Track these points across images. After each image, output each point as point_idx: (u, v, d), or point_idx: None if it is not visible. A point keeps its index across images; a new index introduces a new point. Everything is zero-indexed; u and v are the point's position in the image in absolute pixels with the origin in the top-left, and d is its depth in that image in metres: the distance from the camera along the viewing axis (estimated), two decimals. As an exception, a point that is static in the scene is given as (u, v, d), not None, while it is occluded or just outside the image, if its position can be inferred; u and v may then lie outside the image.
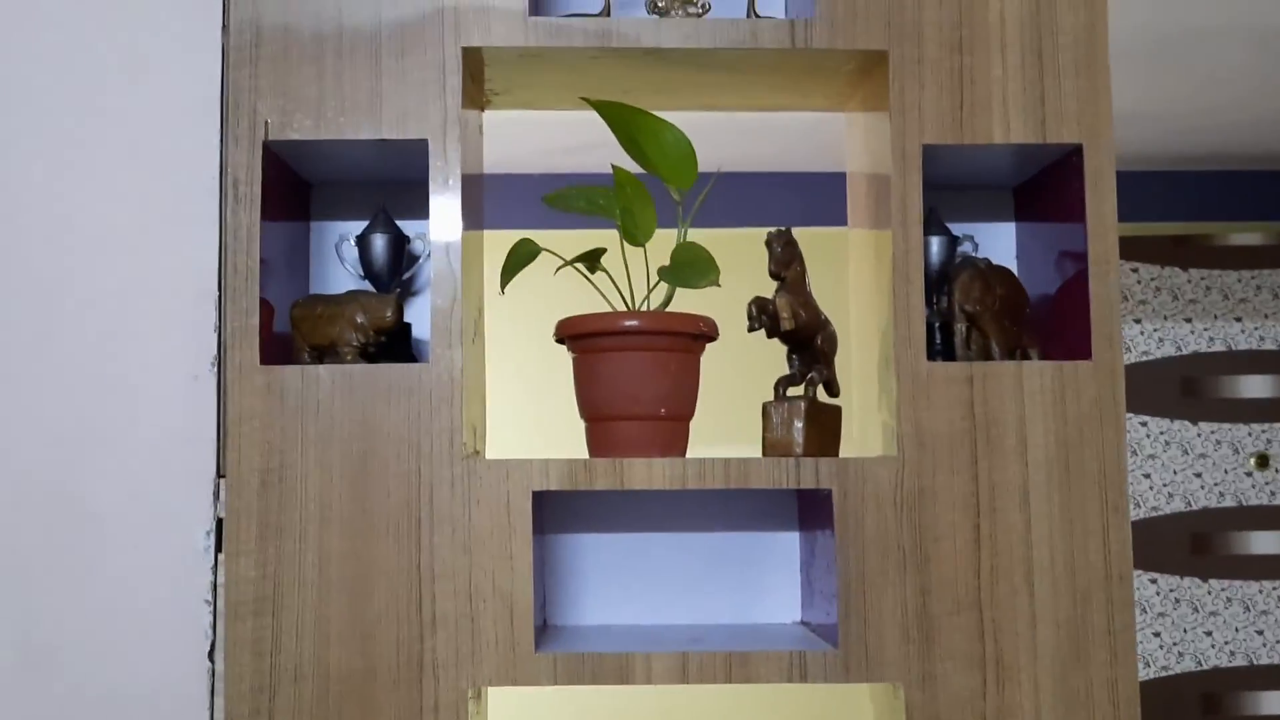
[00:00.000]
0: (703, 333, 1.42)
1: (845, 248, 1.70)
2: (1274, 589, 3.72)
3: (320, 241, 1.60)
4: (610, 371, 1.39)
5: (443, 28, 1.40)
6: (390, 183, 1.57)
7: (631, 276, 1.43)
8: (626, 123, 1.45)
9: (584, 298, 1.48)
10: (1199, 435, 3.76)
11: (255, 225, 1.36)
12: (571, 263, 1.43)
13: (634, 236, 1.51)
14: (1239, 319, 3.89)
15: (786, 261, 1.44)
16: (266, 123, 1.37)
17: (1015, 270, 1.64)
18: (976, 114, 1.42)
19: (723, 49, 1.42)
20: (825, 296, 1.54)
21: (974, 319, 1.47)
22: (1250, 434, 3.83)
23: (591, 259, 1.44)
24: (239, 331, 1.35)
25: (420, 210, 1.48)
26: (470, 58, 1.42)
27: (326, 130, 1.38)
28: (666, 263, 1.42)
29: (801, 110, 1.68)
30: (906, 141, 1.41)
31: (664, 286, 1.46)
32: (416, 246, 1.59)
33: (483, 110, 1.63)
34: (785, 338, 1.45)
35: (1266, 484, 3.79)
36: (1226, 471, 3.83)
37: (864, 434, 1.59)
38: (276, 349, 1.43)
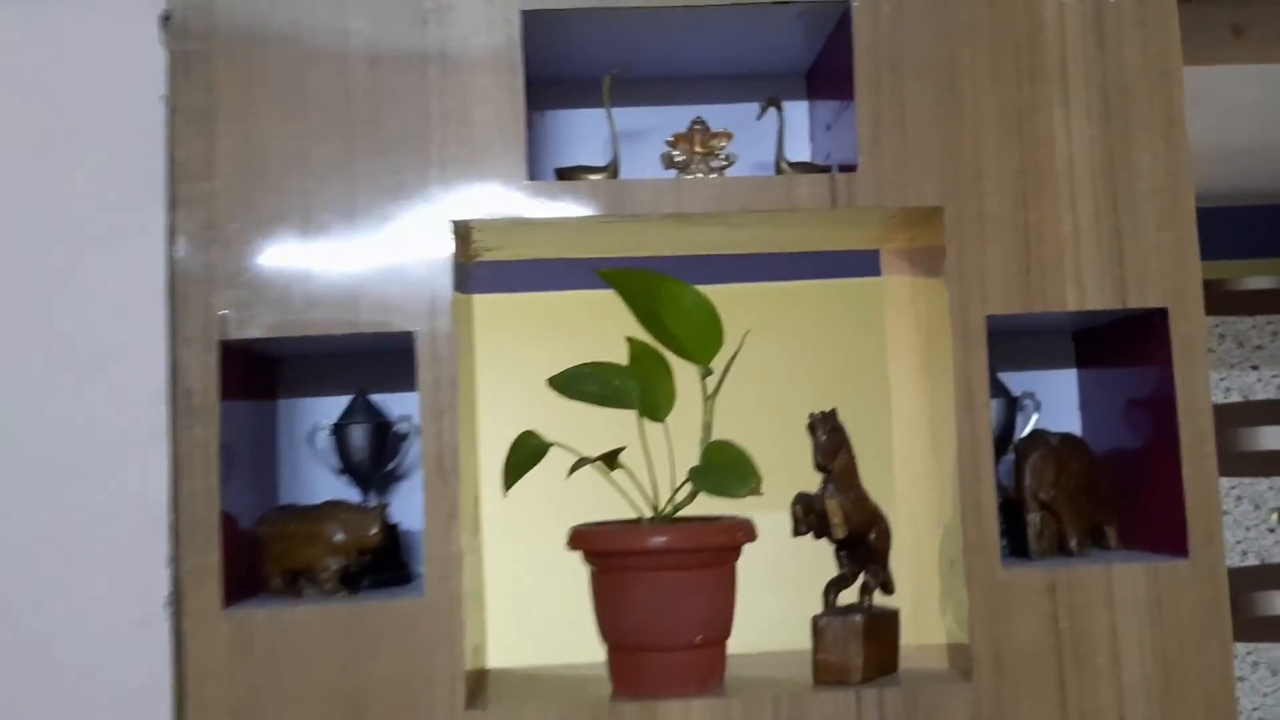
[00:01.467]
0: (741, 542, 1.22)
1: (880, 297, 1.51)
2: (1302, 651, 3.58)
3: (291, 423, 1.39)
4: (637, 595, 1.19)
5: (428, 200, 1.19)
6: (369, 353, 1.37)
7: (653, 460, 1.24)
8: (644, 294, 1.26)
9: (597, 485, 1.28)
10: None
11: (213, 442, 1.16)
12: (584, 464, 1.23)
13: (655, 413, 1.31)
14: (1255, 367, 3.74)
15: (833, 450, 1.24)
16: (222, 319, 1.17)
17: (1079, 425, 1.46)
18: (1046, 277, 1.23)
19: (753, 211, 1.22)
20: (860, 356, 1.36)
21: (1048, 506, 1.28)
22: (1272, 488, 3.67)
23: (610, 459, 1.24)
24: (197, 570, 1.14)
25: (405, 382, 1.28)
26: (459, 228, 1.22)
27: (294, 325, 1.18)
28: (696, 461, 1.22)
29: (834, 249, 1.49)
30: (969, 314, 1.22)
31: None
32: (402, 427, 1.38)
33: (470, 261, 1.43)
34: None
35: (1290, 541, 3.65)
36: (1248, 529, 3.67)
37: (915, 609, 1.40)
38: (240, 568, 1.22)
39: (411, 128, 1.19)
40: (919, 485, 1.38)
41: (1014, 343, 1.45)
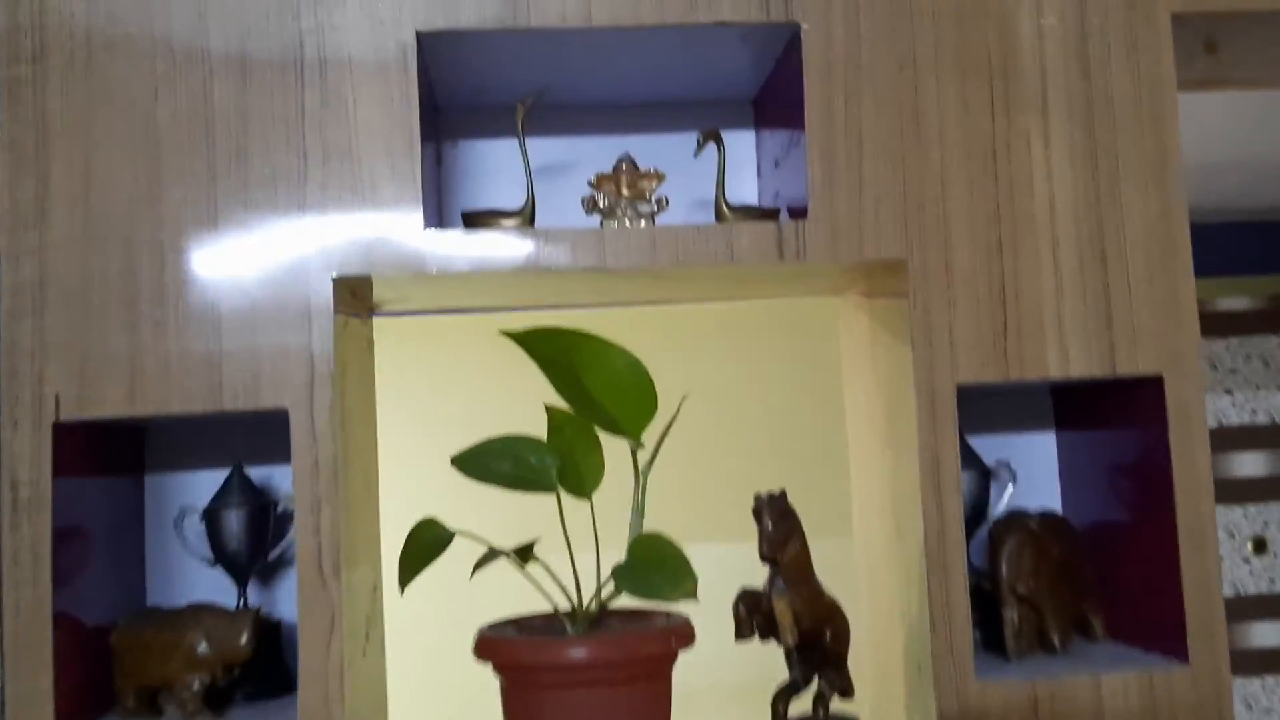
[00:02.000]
0: (678, 649, 1.05)
1: (836, 319, 1.34)
2: (1277, 685, 3.46)
3: (160, 502, 1.20)
4: (554, 715, 1.02)
5: (305, 252, 1.01)
6: (248, 420, 1.19)
7: (578, 545, 1.06)
8: (562, 357, 1.08)
9: (508, 575, 1.11)
10: (1190, 518, 3.47)
11: (44, 542, 0.97)
12: (490, 561, 1.05)
13: (580, 490, 1.14)
14: (1229, 391, 3.62)
15: (782, 540, 1.07)
16: (56, 397, 0.98)
17: (1059, 496, 1.30)
18: (1025, 340, 1.07)
19: (688, 265, 1.05)
20: (813, 381, 1.20)
21: (1027, 599, 1.12)
22: (1246, 516, 3.56)
23: (522, 554, 1.06)
24: (25, 697, 0.96)
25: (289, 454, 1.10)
26: (343, 284, 1.05)
27: (145, 402, 0.99)
28: (622, 558, 1.05)
29: (784, 298, 1.32)
30: (936, 382, 1.06)
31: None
32: (288, 505, 1.20)
33: (369, 316, 1.25)
34: (783, 638, 1.09)
35: (1265, 570, 3.53)
36: (1222, 558, 3.55)
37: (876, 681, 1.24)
38: (92, 682, 1.03)
39: (285, 166, 1.02)
40: (881, 570, 1.21)
41: (985, 402, 1.30)
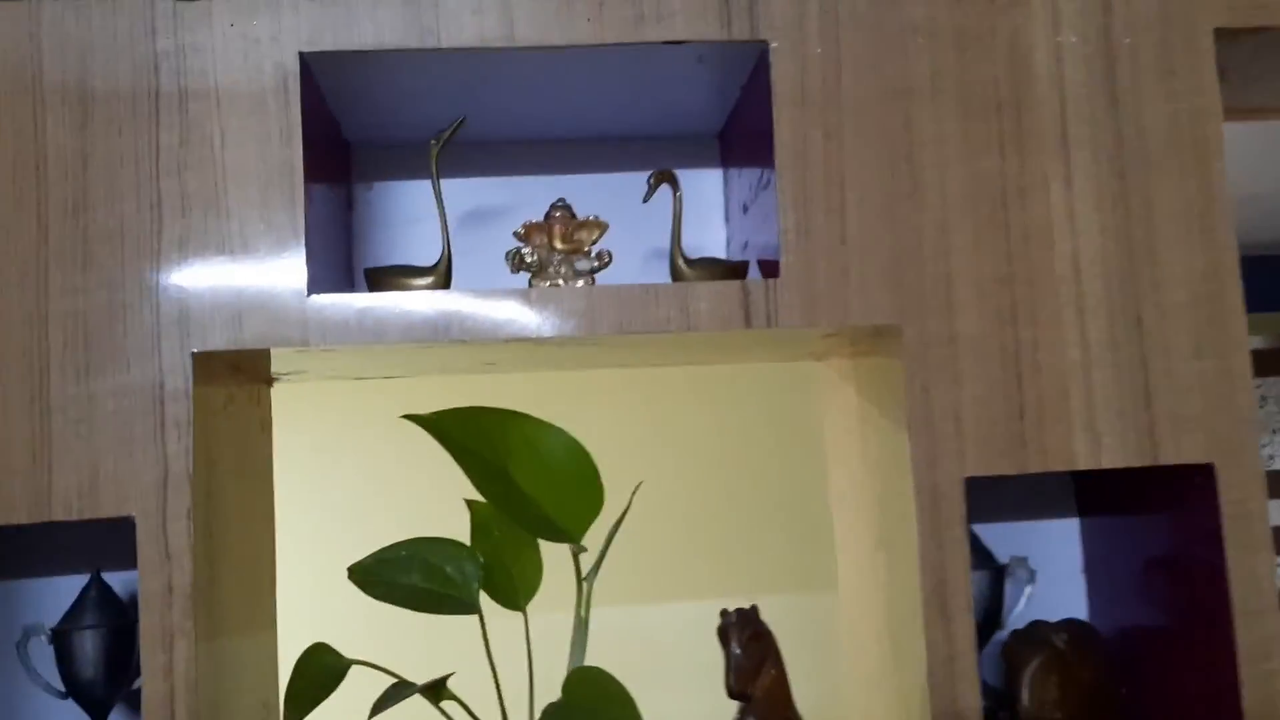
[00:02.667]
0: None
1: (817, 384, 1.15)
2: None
3: (6, 618, 1.00)
4: None
5: (157, 323, 0.82)
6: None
7: (507, 671, 0.87)
8: (483, 444, 0.89)
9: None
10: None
11: None
12: (397, 701, 0.85)
13: (511, 601, 0.94)
14: (1241, 437, 3.43)
15: (753, 668, 0.88)
16: None
17: (1084, 596, 1.10)
18: (1046, 425, 0.88)
19: (636, 334, 0.86)
20: (793, 447, 1.01)
21: (1052, 735, 0.92)
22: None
23: (434, 690, 0.86)
24: None
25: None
26: (214, 360, 0.85)
27: (-46, 511, 0.80)
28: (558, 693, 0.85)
29: (755, 363, 1.13)
30: (939, 476, 0.86)
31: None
32: (166, 619, 1.00)
33: (265, 386, 1.06)
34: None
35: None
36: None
37: None
38: None
39: (134, 218, 0.83)
40: (876, 702, 1.01)
41: (994, 485, 1.10)
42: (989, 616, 1.03)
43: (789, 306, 0.86)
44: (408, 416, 0.85)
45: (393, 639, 0.98)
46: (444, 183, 0.93)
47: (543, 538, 0.90)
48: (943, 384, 0.87)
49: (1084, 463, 0.87)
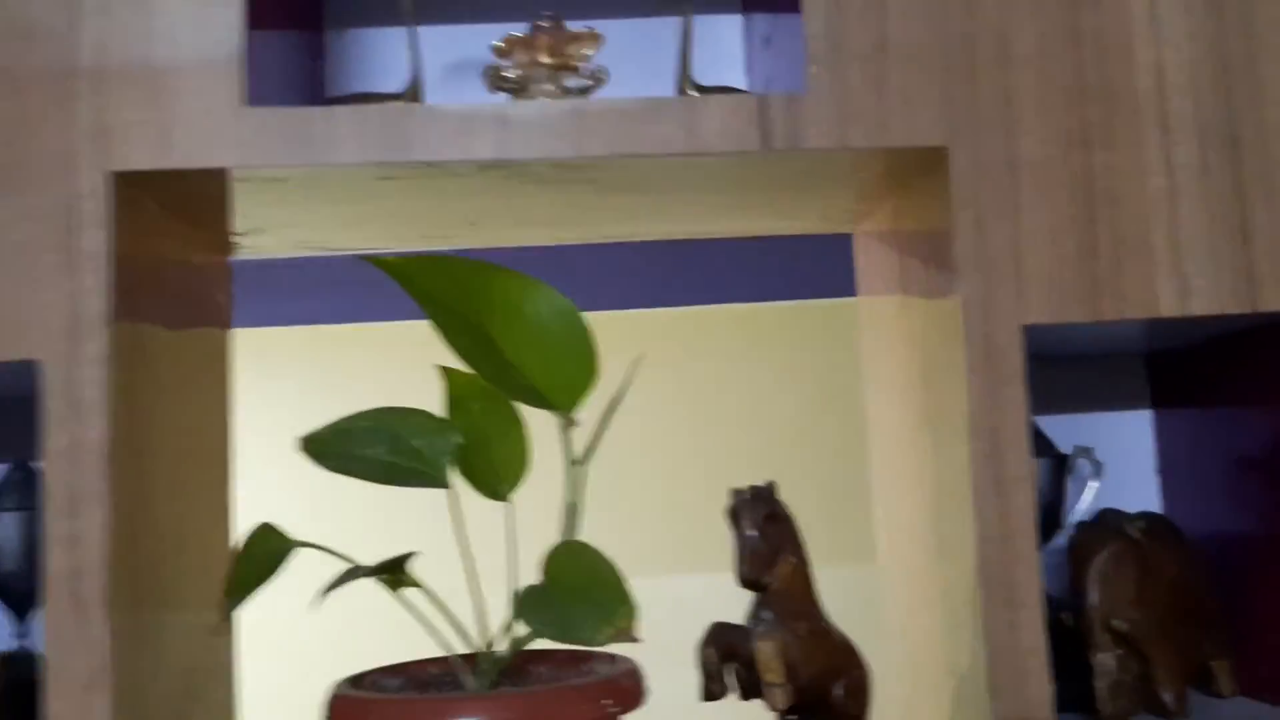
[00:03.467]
0: (616, 713, 0.72)
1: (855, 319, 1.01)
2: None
3: (-61, 505, 0.89)
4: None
5: (68, 137, 0.70)
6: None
7: (491, 557, 0.74)
8: (461, 299, 0.76)
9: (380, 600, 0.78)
10: None
11: None
12: (349, 581, 0.72)
13: (492, 489, 0.81)
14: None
15: (770, 555, 0.75)
16: None
17: (1158, 498, 0.96)
18: (1124, 265, 0.74)
19: (633, 157, 0.73)
20: (829, 380, 0.87)
21: (1128, 639, 0.78)
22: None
23: (394, 571, 0.74)
24: None
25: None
26: (142, 184, 0.73)
27: None
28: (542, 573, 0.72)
29: (781, 234, 0.99)
30: (992, 324, 0.72)
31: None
32: (110, 510, 0.88)
33: (226, 256, 0.94)
34: (775, 696, 0.76)
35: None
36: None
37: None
38: None
39: (44, 12, 0.70)
40: (917, 603, 0.88)
41: (1053, 369, 0.96)
42: (1048, 517, 0.89)
43: (815, 123, 0.73)
44: (371, 260, 0.73)
45: (361, 534, 0.86)
46: (425, 29, 0.80)
47: (529, 404, 0.78)
48: (1000, 217, 0.73)
49: (1168, 309, 0.73)
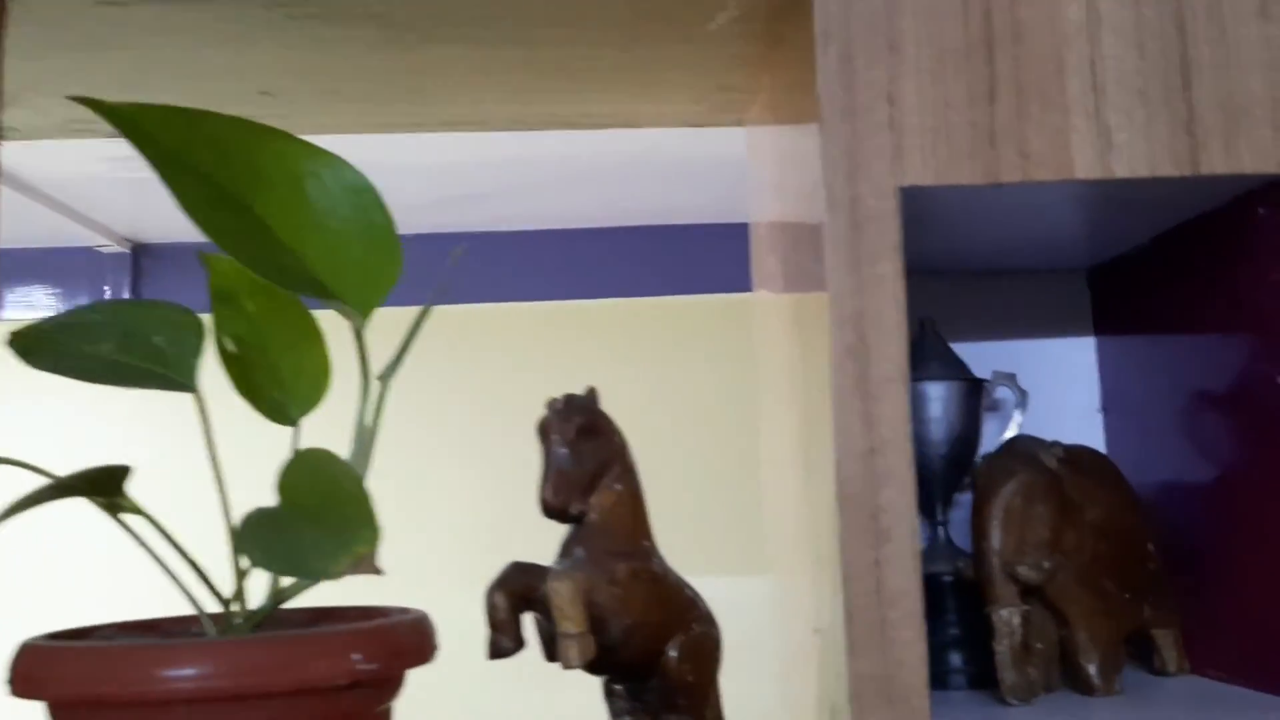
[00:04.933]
0: (382, 673, 0.56)
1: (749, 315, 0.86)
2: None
3: None
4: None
5: None
6: None
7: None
8: (218, 165, 0.61)
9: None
10: None
11: None
12: (49, 499, 0.57)
13: (279, 409, 0.66)
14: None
15: (584, 478, 0.59)
16: None
17: (1102, 440, 0.80)
18: (1027, 117, 0.58)
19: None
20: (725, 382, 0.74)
21: (1039, 592, 0.62)
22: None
23: (102, 490, 0.59)
24: None
25: None
26: None
27: None
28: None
29: (652, 126, 0.84)
30: (861, 188, 0.57)
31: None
32: None
33: None
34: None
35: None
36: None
37: None
38: None
39: None
40: (789, 537, 0.72)
41: (973, 285, 0.81)
42: (962, 454, 0.73)
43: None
44: (87, 102, 0.58)
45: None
46: None
47: (311, 294, 0.62)
48: (871, 51, 0.58)
49: (1085, 170, 0.58)
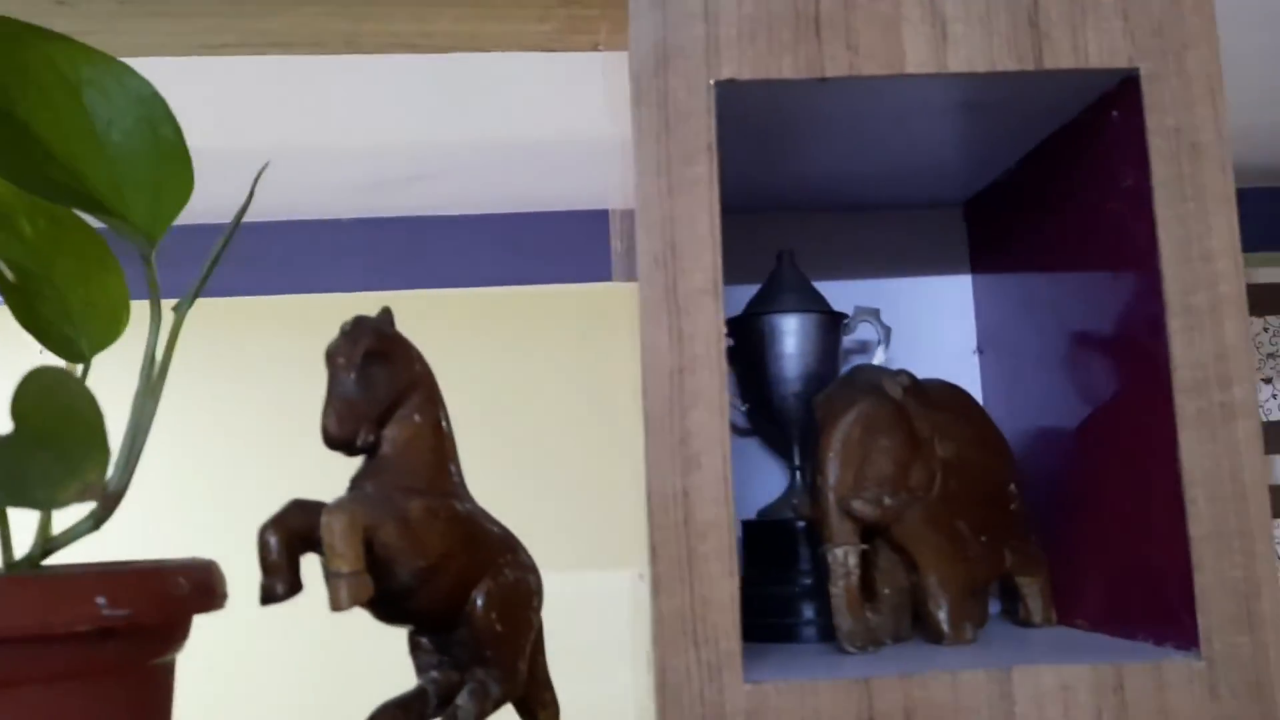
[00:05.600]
0: (138, 624, 0.50)
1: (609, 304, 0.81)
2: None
3: None
4: None
5: None
6: None
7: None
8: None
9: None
10: None
11: None
12: None
13: (68, 344, 0.61)
14: (1268, 380, 3.04)
15: (373, 404, 0.54)
16: None
17: (979, 387, 0.76)
18: (855, 5, 0.53)
19: None
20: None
21: (878, 528, 0.57)
22: (1291, 529, 2.96)
23: None
24: None
25: None
26: None
27: None
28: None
29: (497, 50, 0.78)
30: (672, 81, 0.52)
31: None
32: None
33: None
34: (388, 605, 0.54)
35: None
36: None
37: None
38: None
39: None
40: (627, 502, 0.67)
41: (851, 221, 0.76)
42: (818, 387, 0.68)
43: None
44: None
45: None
46: None
47: (83, 211, 0.57)
48: (686, -65, 0.53)
49: (917, 63, 0.53)
